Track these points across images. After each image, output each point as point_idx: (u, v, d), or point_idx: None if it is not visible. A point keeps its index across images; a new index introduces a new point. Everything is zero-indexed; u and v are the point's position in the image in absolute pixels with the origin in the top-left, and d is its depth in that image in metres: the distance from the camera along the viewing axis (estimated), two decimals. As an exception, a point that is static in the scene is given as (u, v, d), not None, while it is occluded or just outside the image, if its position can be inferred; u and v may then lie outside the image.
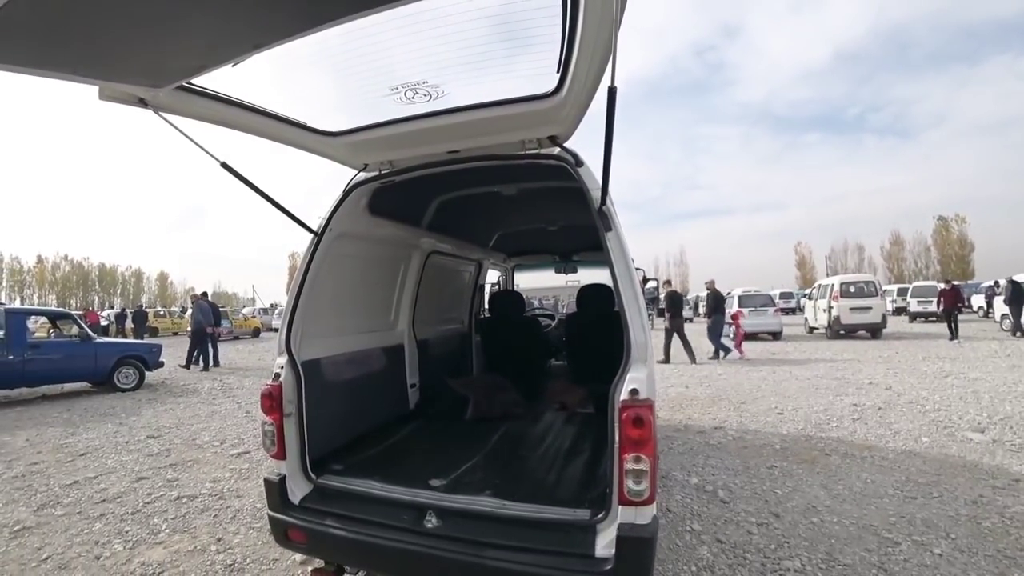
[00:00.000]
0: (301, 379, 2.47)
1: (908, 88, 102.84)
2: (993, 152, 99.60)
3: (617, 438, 1.81)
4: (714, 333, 12.87)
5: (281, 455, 2.41)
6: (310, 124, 2.38)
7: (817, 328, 18.88)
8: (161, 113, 2.00)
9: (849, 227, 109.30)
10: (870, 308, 16.54)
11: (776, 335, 17.67)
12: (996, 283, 20.63)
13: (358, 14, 1.55)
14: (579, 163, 2.19)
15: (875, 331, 16.74)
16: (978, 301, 24.67)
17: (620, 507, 1.80)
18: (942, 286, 17.32)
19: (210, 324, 13.46)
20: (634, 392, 1.81)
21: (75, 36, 1.55)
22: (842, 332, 16.92)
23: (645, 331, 1.93)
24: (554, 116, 2.10)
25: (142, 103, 1.95)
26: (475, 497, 2.22)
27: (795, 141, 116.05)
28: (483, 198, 3.62)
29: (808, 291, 23.86)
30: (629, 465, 1.76)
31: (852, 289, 16.95)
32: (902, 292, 27.71)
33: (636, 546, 1.75)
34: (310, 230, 2.61)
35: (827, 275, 36.71)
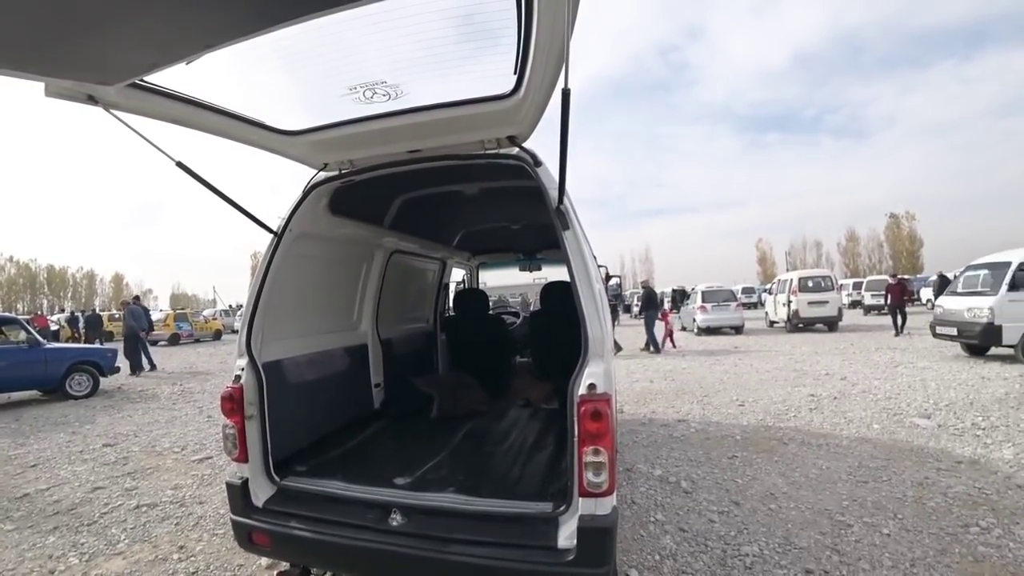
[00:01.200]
0: (263, 381, 2.44)
1: (861, 91, 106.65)
2: (939, 153, 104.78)
3: (576, 431, 1.86)
4: (648, 327, 13.94)
5: (243, 458, 2.37)
6: (268, 123, 2.35)
7: (777, 322, 19.49)
8: (112, 111, 1.94)
9: (808, 224, 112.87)
10: (827, 302, 17.18)
11: (738, 329, 18.16)
12: (940, 275, 21.66)
13: (313, 15, 1.54)
14: (537, 163, 2.23)
15: (832, 324, 17.38)
16: (927, 294, 25.84)
17: (580, 499, 1.84)
18: (889, 280, 17.09)
19: (143, 328, 13.45)
20: (591, 387, 1.86)
21: (19, 30, 1.49)
22: (800, 325, 17.51)
23: (603, 327, 1.98)
24: (512, 117, 2.13)
25: (91, 100, 1.89)
26: (439, 494, 2.24)
27: (756, 140, 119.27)
28: (445, 197, 3.63)
29: (769, 286, 24.60)
30: (588, 458, 1.81)
31: (810, 284, 17.57)
32: (857, 286, 28.89)
33: (596, 536, 1.80)
34: (270, 230, 2.57)
35: (787, 270, 37.90)
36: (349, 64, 1.93)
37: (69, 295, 76.81)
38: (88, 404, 9.09)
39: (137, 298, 15.64)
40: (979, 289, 9.87)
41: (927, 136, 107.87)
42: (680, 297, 24.15)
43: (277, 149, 2.50)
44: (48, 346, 9.78)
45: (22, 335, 9.46)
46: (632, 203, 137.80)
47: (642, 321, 14.79)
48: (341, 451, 2.94)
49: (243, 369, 2.43)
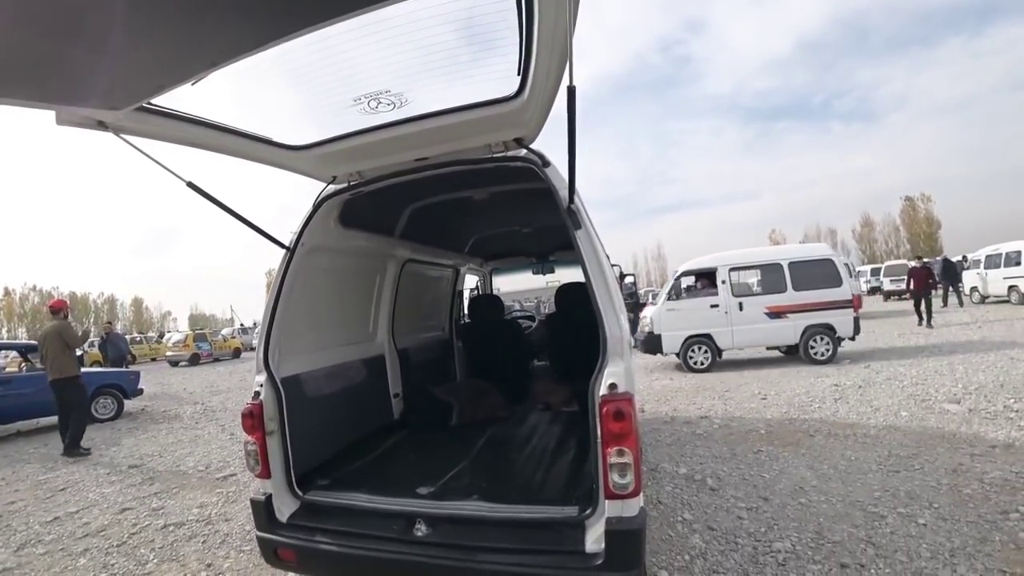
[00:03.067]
0: (282, 396, 2.45)
1: (870, 73, 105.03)
2: (954, 131, 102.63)
3: (599, 433, 1.83)
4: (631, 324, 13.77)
5: (266, 474, 2.37)
6: (275, 139, 2.36)
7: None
8: (122, 135, 1.96)
9: (821, 212, 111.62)
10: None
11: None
12: (964, 257, 21.26)
13: (312, 27, 1.54)
14: (546, 163, 2.21)
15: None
16: (971, 280, 25.18)
17: (607, 501, 1.81)
18: (912, 264, 14.49)
19: (127, 353, 14.25)
20: (613, 386, 1.83)
21: (29, 61, 1.51)
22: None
23: (621, 326, 1.95)
24: (518, 118, 2.12)
25: (102, 126, 1.91)
26: (463, 502, 2.22)
27: (764, 130, 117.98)
28: (455, 203, 3.62)
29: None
30: (613, 459, 1.78)
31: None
32: (875, 272, 28.39)
33: (625, 539, 1.76)
34: (282, 246, 2.58)
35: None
36: (352, 76, 1.93)
37: (92, 320, 78.21)
38: (114, 426, 9.23)
39: (110, 323, 16.70)
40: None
41: (940, 115, 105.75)
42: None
43: (286, 164, 2.51)
44: (72, 371, 9.92)
45: (48, 361, 9.62)
46: (642, 201, 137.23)
47: None
48: (363, 463, 2.93)
49: (262, 385, 2.43)
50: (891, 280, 24.23)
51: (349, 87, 1.99)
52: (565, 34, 1.45)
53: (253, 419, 2.37)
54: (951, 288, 18.77)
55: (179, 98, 1.94)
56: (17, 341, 34.73)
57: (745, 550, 3.03)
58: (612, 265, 5.36)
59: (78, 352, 7.53)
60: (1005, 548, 2.83)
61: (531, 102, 1.98)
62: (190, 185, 2.19)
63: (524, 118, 2.11)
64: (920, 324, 13.16)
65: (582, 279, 2.14)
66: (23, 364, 10.31)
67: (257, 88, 2.02)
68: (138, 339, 32.65)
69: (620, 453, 1.77)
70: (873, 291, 26.69)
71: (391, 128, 2.21)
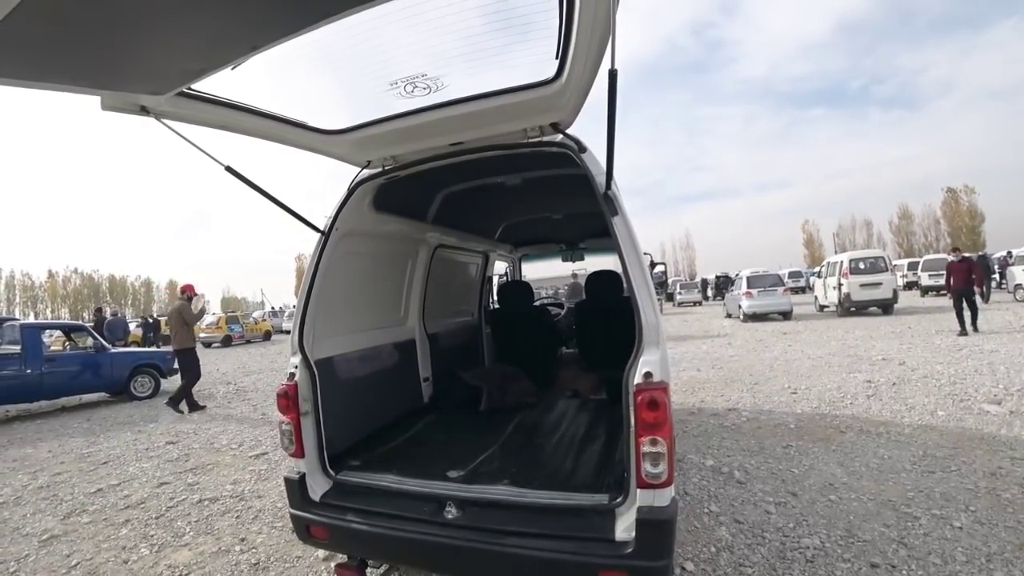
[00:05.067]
0: (316, 377, 2.50)
1: (913, 57, 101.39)
2: (1003, 119, 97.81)
3: (633, 421, 1.82)
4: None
5: (300, 453, 2.44)
6: (311, 123, 2.39)
7: (827, 306, 18.75)
8: (163, 120, 2.01)
9: (856, 203, 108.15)
10: (880, 284, 16.40)
11: (786, 315, 17.59)
12: (1009, 253, 20.39)
13: (352, 10, 1.55)
14: (582, 149, 2.19)
15: (887, 307, 16.61)
16: (1018, 275, 24.19)
17: (639, 490, 1.80)
18: (950, 258, 11.58)
19: (119, 339, 14.68)
20: (648, 375, 1.82)
21: (74, 47, 1.55)
22: (853, 309, 16.80)
23: (656, 314, 1.92)
24: (555, 103, 2.09)
25: (144, 111, 1.96)
26: (493, 486, 2.24)
27: (798, 117, 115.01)
28: (487, 189, 3.62)
29: (817, 269, 23.68)
30: (646, 448, 1.77)
31: (862, 265, 16.81)
32: (912, 266, 27.42)
33: (656, 528, 1.76)
34: (317, 229, 2.62)
35: (835, 252, 36.39)
36: (389, 60, 1.93)
37: (129, 302, 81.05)
38: (151, 404, 9.57)
39: (99, 310, 17.50)
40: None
41: (989, 101, 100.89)
42: (724, 283, 23.57)
43: (320, 149, 2.54)
44: (113, 351, 10.34)
45: (90, 341, 10.05)
46: (671, 189, 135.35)
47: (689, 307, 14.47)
48: (393, 445, 2.98)
49: (296, 367, 2.48)
50: (929, 275, 23.39)
51: (385, 71, 2.00)
52: (607, 12, 1.42)
53: (288, 399, 2.42)
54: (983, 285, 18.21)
55: (218, 83, 1.98)
56: (62, 321, 36.19)
57: (773, 545, 2.99)
58: (644, 253, 5.30)
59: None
60: (1046, 554, 2.74)
61: (569, 86, 1.96)
62: (228, 169, 2.24)
63: (561, 102, 2.09)
64: (963, 334, 10.55)
65: (610, 266, 2.13)
66: (67, 343, 10.77)
67: (294, 73, 2.05)
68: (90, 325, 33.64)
69: (653, 442, 1.77)
70: (910, 286, 25.81)
71: (427, 112, 2.22)
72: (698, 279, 42.73)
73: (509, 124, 2.27)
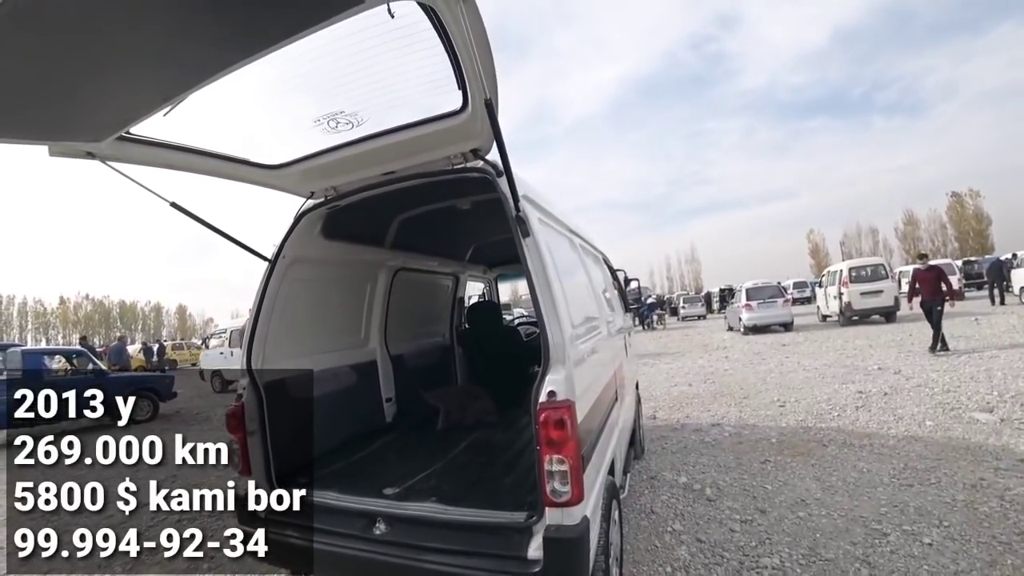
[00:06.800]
0: (263, 399, 2.59)
1: (913, 63, 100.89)
2: (1007, 121, 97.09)
3: (538, 440, 1.85)
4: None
5: (246, 471, 2.52)
6: (252, 159, 2.46)
7: (829, 316, 18.55)
8: (109, 163, 2.11)
9: (861, 210, 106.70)
10: (881, 291, 16.24)
11: (787, 326, 17.42)
12: (1014, 255, 20.10)
13: (257, 55, 1.61)
14: (499, 173, 2.23)
15: (889, 314, 16.42)
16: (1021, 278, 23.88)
17: (547, 509, 1.84)
18: (916, 266, 10.85)
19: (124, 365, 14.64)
20: (552, 394, 1.86)
21: (17, 103, 1.67)
22: (855, 318, 16.61)
23: (563, 333, 1.96)
24: (469, 130, 2.16)
25: (89, 155, 2.06)
26: (421, 503, 2.31)
27: (800, 127, 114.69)
28: (445, 213, 3.66)
29: (819, 279, 23.52)
30: (551, 467, 1.80)
31: (862, 273, 16.67)
32: (918, 272, 27.11)
33: (563, 547, 1.78)
34: (263, 257, 2.69)
35: (843, 260, 36.16)
36: (311, 96, 2.02)
37: (139, 327, 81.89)
38: (148, 428, 9.63)
39: (84, 338, 17.91)
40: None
41: (991, 104, 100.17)
42: (729, 296, 23.51)
43: (263, 182, 2.61)
44: (111, 375, 10.48)
45: (89, 366, 10.24)
46: (675, 203, 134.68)
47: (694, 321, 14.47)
48: (345, 463, 3.02)
49: (244, 388, 2.58)
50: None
51: (309, 107, 2.08)
52: (484, 45, 1.49)
53: (236, 419, 2.53)
54: (996, 287, 18.22)
55: (161, 126, 2.06)
56: (64, 347, 36.67)
57: (730, 564, 2.96)
58: (616, 270, 5.31)
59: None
60: (1016, 573, 2.67)
61: (476, 114, 2.02)
62: (173, 205, 2.34)
63: (475, 129, 2.15)
64: (935, 348, 9.27)
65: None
66: (68, 369, 10.98)
67: (230, 111, 2.12)
68: (180, 345, 33.99)
69: (559, 461, 1.80)
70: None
71: (354, 145, 2.30)
72: (704, 292, 42.60)
73: (432, 153, 2.33)
